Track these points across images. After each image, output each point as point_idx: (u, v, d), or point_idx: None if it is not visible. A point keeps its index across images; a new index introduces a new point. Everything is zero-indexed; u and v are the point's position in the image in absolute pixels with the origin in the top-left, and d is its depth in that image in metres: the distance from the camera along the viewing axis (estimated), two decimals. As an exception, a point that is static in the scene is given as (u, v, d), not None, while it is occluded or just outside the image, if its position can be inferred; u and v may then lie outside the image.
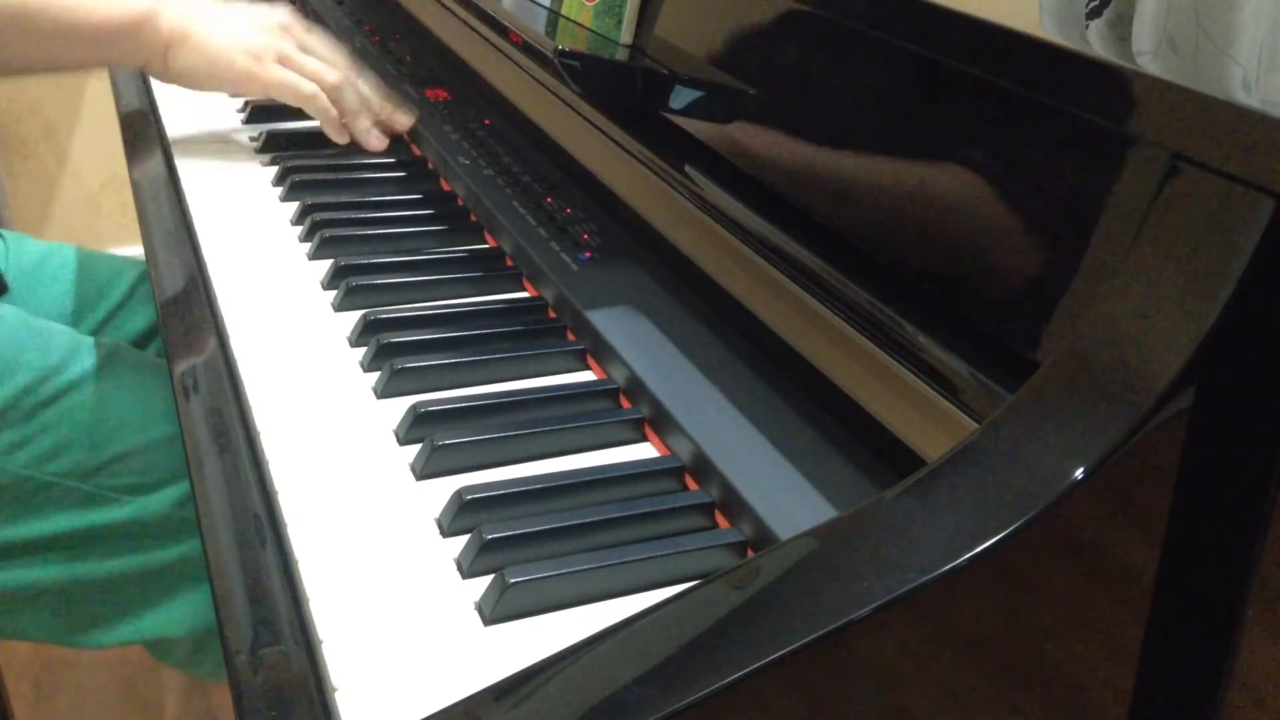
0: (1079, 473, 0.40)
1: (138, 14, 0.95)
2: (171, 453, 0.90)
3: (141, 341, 1.13)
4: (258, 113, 1.10)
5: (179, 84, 0.99)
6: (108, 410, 0.89)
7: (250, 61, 0.96)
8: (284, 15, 1.01)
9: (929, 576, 0.39)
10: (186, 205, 0.92)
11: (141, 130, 1.08)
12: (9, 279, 1.07)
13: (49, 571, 0.88)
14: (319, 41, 1.01)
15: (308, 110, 0.99)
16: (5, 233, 1.12)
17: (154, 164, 1.01)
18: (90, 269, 1.13)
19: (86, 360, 0.90)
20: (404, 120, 1.01)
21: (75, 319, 1.10)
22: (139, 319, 1.14)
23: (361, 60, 1.16)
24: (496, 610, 0.51)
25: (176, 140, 1.03)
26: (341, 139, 1.00)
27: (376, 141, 1.00)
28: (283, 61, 0.97)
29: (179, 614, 0.91)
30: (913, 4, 0.56)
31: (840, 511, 0.54)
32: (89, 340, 0.92)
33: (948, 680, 0.43)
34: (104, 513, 0.88)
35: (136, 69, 1.00)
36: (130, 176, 1.00)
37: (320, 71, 0.98)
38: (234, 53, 0.96)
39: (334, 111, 0.98)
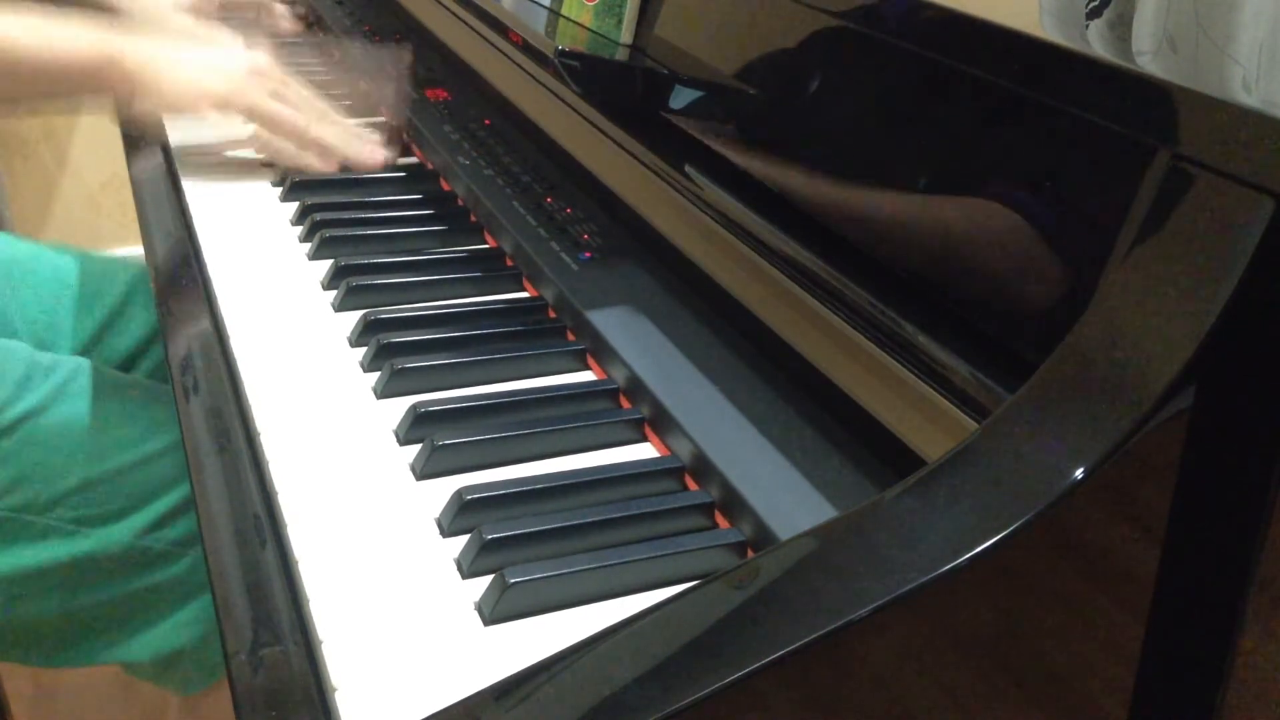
0: (1079, 473, 0.40)
1: (101, 55, 0.91)
2: (131, 481, 0.88)
3: (138, 351, 1.11)
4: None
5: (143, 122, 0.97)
6: (62, 442, 0.87)
7: (215, 112, 0.93)
8: (258, 58, 0.97)
9: (929, 576, 0.39)
10: (186, 205, 0.92)
11: (141, 130, 1.08)
12: None
13: (18, 607, 0.87)
14: (293, 86, 0.98)
15: (281, 165, 0.97)
16: None
17: (154, 164, 1.01)
18: (82, 273, 1.10)
19: (40, 390, 0.87)
20: (386, 155, 0.99)
21: (64, 325, 1.07)
22: (135, 328, 1.11)
23: (359, 62, 1.16)
24: (496, 610, 0.51)
25: (176, 140, 1.03)
26: (327, 169, 0.97)
27: (370, 157, 0.97)
28: (251, 111, 0.94)
29: (145, 641, 0.90)
30: (913, 4, 0.56)
31: (840, 511, 0.54)
32: (45, 364, 0.90)
33: (948, 680, 0.43)
34: (62, 546, 0.86)
35: (96, 106, 0.98)
36: (130, 176, 1.00)
37: (291, 119, 0.95)
38: (200, 101, 0.93)
39: (304, 160, 0.96)
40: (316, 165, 0.96)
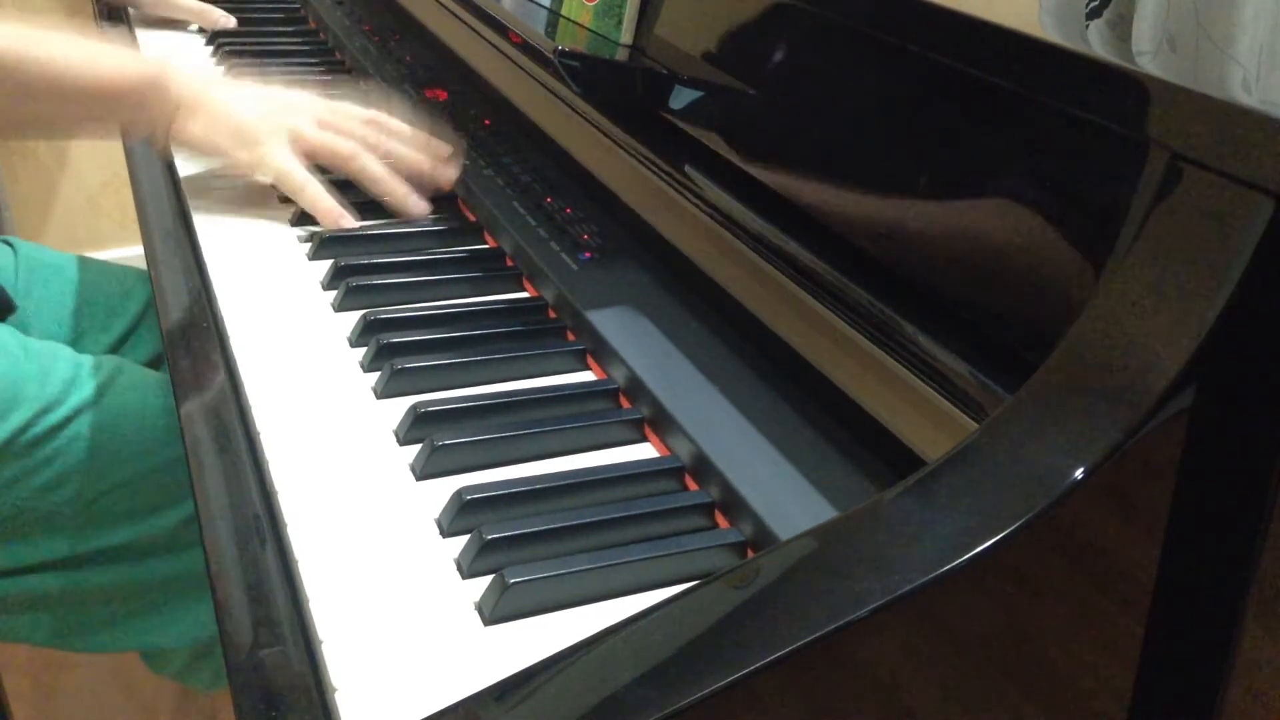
0: (1079, 473, 0.40)
1: (144, 76, 0.88)
2: (172, 476, 0.88)
3: (153, 364, 1.10)
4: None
5: (180, 151, 0.93)
6: (108, 439, 0.87)
7: (258, 144, 0.88)
8: (310, 96, 0.92)
9: (929, 576, 0.39)
10: (186, 206, 0.92)
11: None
12: (19, 287, 1.05)
13: (47, 583, 0.87)
14: (341, 112, 0.91)
15: (305, 208, 0.88)
16: (17, 241, 1.09)
17: (154, 164, 1.01)
18: (101, 286, 1.10)
19: (86, 387, 0.87)
20: (449, 175, 0.91)
21: (85, 337, 1.08)
22: (150, 343, 1.11)
23: (363, 61, 1.16)
24: (496, 610, 0.51)
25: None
26: (400, 191, 0.89)
27: (414, 207, 0.89)
28: (295, 140, 0.89)
29: (177, 625, 0.90)
30: (912, 4, 0.56)
31: (840, 511, 0.54)
32: (89, 363, 0.90)
33: (947, 680, 0.43)
34: (104, 536, 0.87)
35: (137, 138, 0.93)
36: (130, 177, 1.00)
37: (334, 144, 0.89)
38: (243, 131, 0.88)
39: (325, 205, 0.87)
40: (390, 186, 0.89)
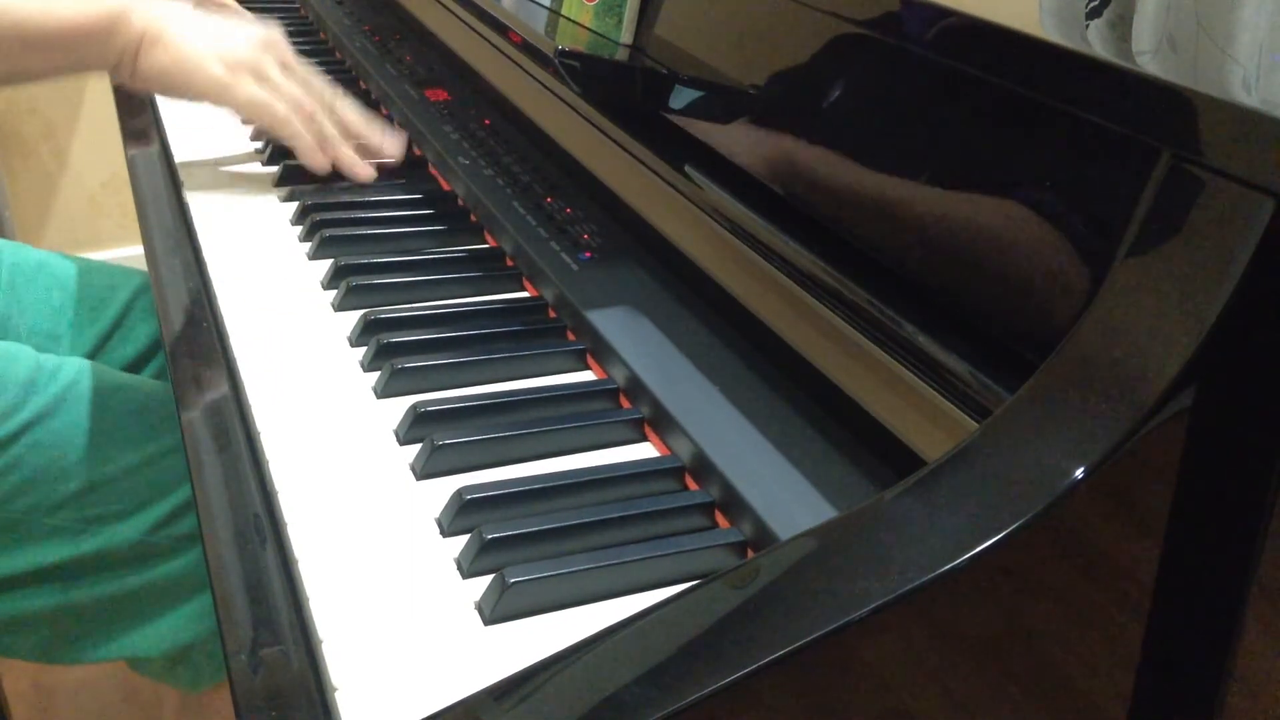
0: (1079, 473, 0.40)
1: (108, 13, 0.90)
2: (140, 481, 0.88)
3: (140, 361, 1.11)
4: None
5: (146, 87, 0.95)
6: (70, 445, 0.86)
7: (224, 71, 0.91)
8: (271, 32, 0.96)
9: (929, 576, 0.39)
10: (186, 205, 0.92)
11: (141, 130, 1.08)
12: (2, 286, 1.05)
13: (25, 601, 0.87)
14: (301, 65, 0.96)
15: (279, 135, 0.94)
16: (1, 241, 1.09)
17: (154, 163, 1.01)
18: (85, 283, 1.10)
19: (45, 394, 0.87)
20: (392, 147, 0.98)
21: (72, 332, 1.07)
22: (137, 338, 1.10)
23: (363, 61, 1.16)
24: (496, 610, 0.51)
25: (176, 140, 1.04)
26: (320, 167, 0.94)
27: (363, 171, 0.95)
28: (258, 79, 0.92)
29: (153, 635, 0.90)
30: (913, 4, 0.56)
31: (840, 511, 0.54)
32: (49, 367, 0.89)
33: (947, 680, 0.43)
34: (74, 545, 0.86)
35: (104, 72, 0.96)
36: (130, 177, 1.00)
37: (296, 95, 0.93)
38: (207, 60, 0.91)
39: (308, 138, 0.93)
40: (311, 153, 0.93)
